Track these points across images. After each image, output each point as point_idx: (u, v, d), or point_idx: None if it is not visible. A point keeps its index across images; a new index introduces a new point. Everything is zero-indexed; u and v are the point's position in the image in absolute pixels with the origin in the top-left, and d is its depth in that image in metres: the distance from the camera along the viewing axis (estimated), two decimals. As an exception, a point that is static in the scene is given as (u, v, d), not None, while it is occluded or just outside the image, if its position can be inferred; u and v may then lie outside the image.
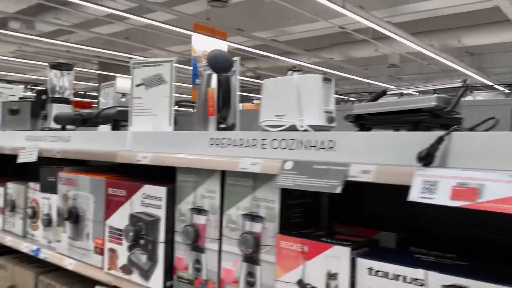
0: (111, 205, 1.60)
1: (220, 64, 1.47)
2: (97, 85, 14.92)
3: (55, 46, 11.51)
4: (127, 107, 1.85)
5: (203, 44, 9.70)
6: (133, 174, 1.73)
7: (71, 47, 11.13)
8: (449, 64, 10.77)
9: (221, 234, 1.32)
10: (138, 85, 1.77)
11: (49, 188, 1.94)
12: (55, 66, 2.29)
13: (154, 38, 10.95)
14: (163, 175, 1.58)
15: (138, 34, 10.62)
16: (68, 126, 2.15)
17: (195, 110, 2.56)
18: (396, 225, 1.29)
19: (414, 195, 0.87)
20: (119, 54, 11.53)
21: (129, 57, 12.04)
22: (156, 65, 1.75)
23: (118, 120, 1.81)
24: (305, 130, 1.18)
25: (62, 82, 2.29)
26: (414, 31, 8.88)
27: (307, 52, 10.69)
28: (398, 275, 0.95)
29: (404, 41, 8.74)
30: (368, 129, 1.13)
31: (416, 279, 0.93)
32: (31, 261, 2.19)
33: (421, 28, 9.22)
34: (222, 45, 9.42)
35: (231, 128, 1.48)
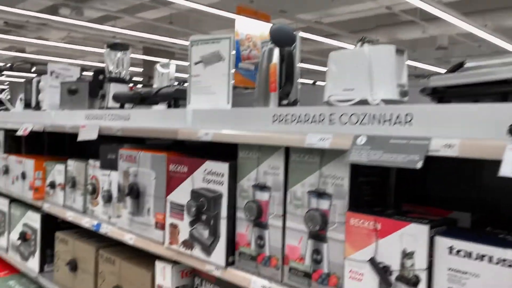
0: (172, 181, 1.62)
1: (282, 37, 1.43)
2: (141, 70, 15.25)
3: (102, 32, 11.80)
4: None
5: (247, 27, 9.67)
6: (191, 152, 1.73)
7: (117, 32, 11.37)
8: (502, 45, 10.22)
9: (285, 211, 1.30)
10: (196, 63, 1.76)
11: (109, 165, 1.99)
12: (112, 46, 2.33)
13: (197, 23, 11.01)
14: (221, 153, 1.58)
15: (181, 19, 10.70)
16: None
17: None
18: (463, 205, 1.23)
19: (506, 171, 0.82)
20: (163, 39, 11.69)
21: (172, 42, 12.20)
22: (214, 42, 1.74)
23: (177, 98, 1.81)
24: (377, 105, 1.13)
25: (119, 62, 2.33)
26: (465, 10, 8.46)
27: (352, 34, 10.44)
28: (483, 255, 0.90)
29: (455, 21, 8.35)
30: (447, 102, 1.07)
31: (504, 259, 0.87)
32: (91, 236, 2.26)
33: (473, 7, 8.77)
34: (265, 28, 9.37)
35: (293, 104, 1.45)
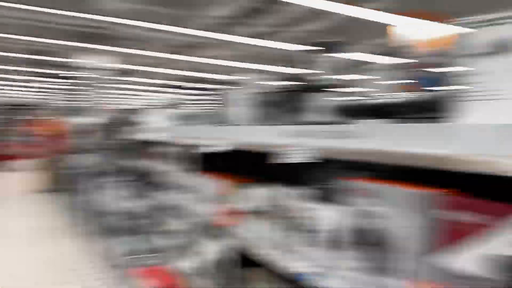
0: (448, 235, 1.05)
1: None
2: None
3: (257, 48, 12.02)
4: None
5: (411, 34, 8.72)
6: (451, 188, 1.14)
7: (271, 48, 11.43)
8: None
9: None
10: (479, 55, 1.18)
11: (326, 197, 1.51)
12: (322, 46, 1.88)
13: (356, 32, 10.44)
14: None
15: (338, 30, 10.26)
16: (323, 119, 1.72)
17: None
18: None
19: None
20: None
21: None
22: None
23: (433, 109, 1.25)
24: None
25: (326, 65, 1.86)
26: None
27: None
28: None
29: None
30: None
31: None
32: (285, 280, 1.82)
33: None
34: (438, 31, 8.32)
35: None
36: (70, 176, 8.01)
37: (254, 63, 13.71)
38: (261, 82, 2.37)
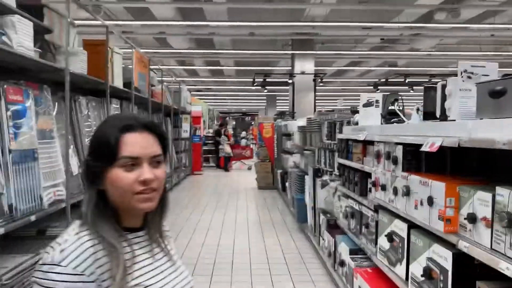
0: None
1: None
2: (523, 69, 13.04)
3: (477, 32, 10.72)
4: None
5: None
6: None
7: (496, 29, 10.02)
8: None
9: None
10: None
11: None
12: None
13: None
14: None
15: None
16: None
17: None
18: None
19: None
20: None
21: None
22: None
23: None
24: None
25: None
26: None
27: None
28: None
29: None
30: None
31: None
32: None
33: None
34: None
35: None
36: (287, 175, 8.64)
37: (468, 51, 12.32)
38: (483, 69, 2.09)
